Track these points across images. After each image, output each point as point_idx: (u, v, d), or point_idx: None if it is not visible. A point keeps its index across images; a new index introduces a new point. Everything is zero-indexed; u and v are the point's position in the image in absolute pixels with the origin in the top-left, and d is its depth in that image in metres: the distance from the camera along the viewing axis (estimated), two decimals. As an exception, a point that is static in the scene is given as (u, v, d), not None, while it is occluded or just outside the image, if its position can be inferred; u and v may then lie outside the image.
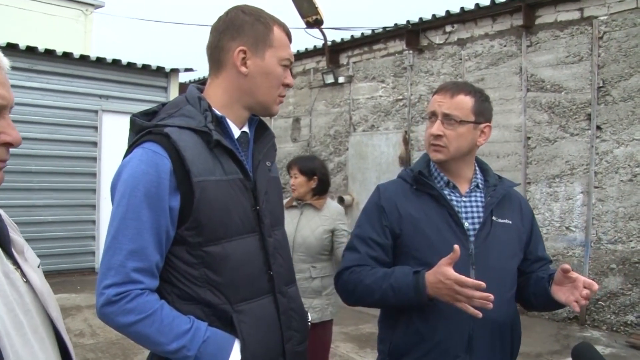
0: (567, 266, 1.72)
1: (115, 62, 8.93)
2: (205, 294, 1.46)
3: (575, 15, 6.84)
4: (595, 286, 1.71)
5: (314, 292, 3.50)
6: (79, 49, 10.92)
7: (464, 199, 1.95)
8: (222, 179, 1.49)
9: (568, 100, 6.87)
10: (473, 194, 1.97)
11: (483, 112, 1.94)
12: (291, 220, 3.54)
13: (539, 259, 2.04)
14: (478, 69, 7.88)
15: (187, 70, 9.76)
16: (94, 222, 8.80)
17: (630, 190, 6.31)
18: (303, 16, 9.22)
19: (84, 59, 8.71)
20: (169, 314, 1.41)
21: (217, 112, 1.56)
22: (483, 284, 1.62)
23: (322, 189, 3.68)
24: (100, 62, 8.80)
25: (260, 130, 1.69)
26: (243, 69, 1.55)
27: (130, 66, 9.10)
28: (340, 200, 9.40)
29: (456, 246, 1.66)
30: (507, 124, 7.37)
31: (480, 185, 2.00)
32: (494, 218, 1.93)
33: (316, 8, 9.04)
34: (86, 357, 5.02)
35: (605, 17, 6.54)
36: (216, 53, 1.59)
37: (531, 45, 7.25)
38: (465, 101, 1.90)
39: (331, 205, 3.73)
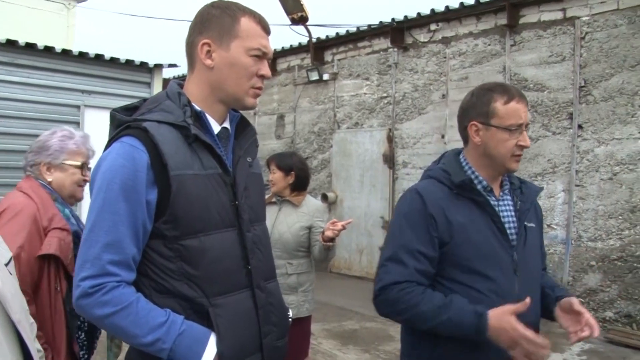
0: (576, 305, 1.78)
1: (98, 57, 8.83)
2: (182, 288, 1.46)
3: (558, 15, 6.90)
4: (596, 333, 1.74)
5: (290, 289, 3.50)
6: (61, 43, 10.79)
7: (500, 203, 1.91)
8: (200, 173, 1.49)
9: (550, 100, 6.93)
10: (505, 196, 1.93)
11: None
12: (269, 216, 3.56)
13: (543, 255, 2.06)
14: (462, 67, 7.92)
15: (171, 66, 9.67)
16: (75, 218, 8.71)
17: (610, 188, 6.39)
18: (288, 13, 9.21)
19: (66, 53, 8.61)
20: (144, 306, 1.41)
21: (197, 107, 1.56)
22: (548, 342, 1.62)
23: (300, 185, 3.70)
24: (82, 56, 8.70)
25: (241, 126, 1.69)
26: (208, 61, 1.55)
27: (114, 61, 9.01)
28: (324, 198, 9.41)
29: (528, 299, 1.66)
30: (490, 122, 7.42)
31: (508, 187, 1.96)
32: (525, 223, 1.90)
33: (301, 5, 9.04)
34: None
35: (587, 18, 6.61)
36: (188, 49, 1.61)
37: (515, 44, 7.30)
38: None
39: (310, 202, 3.75)
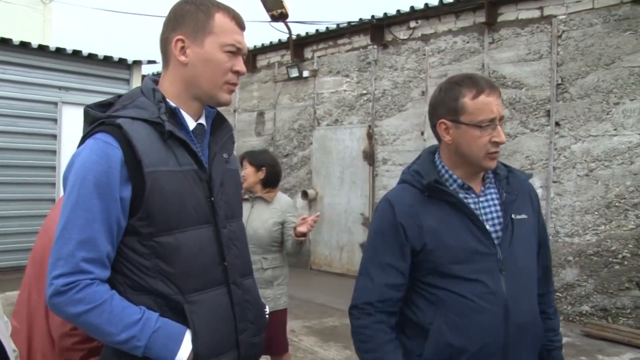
0: None
1: (76, 53, 8.73)
2: (157, 285, 1.45)
3: (536, 13, 6.98)
4: None
5: (266, 283, 3.64)
6: (38, 38, 10.64)
7: (481, 199, 1.79)
8: (175, 169, 1.48)
9: (528, 97, 7.01)
10: (488, 190, 1.81)
11: None
12: (243, 213, 3.64)
13: (545, 247, 1.95)
14: (441, 64, 7.97)
15: (150, 62, 9.59)
16: (53, 216, 8.60)
17: (587, 185, 6.48)
18: (268, 10, 9.18)
19: (42, 49, 8.50)
20: (119, 304, 1.40)
21: (172, 104, 1.55)
22: None
23: (271, 181, 3.84)
24: (59, 52, 8.60)
25: (218, 122, 1.68)
26: (182, 58, 1.54)
27: (91, 57, 8.91)
28: (304, 195, 9.42)
29: None
30: (469, 119, 7.49)
31: (492, 180, 1.84)
32: (513, 216, 1.78)
33: (281, 2, 9.02)
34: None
35: (564, 17, 6.70)
36: (162, 45, 1.59)
37: (493, 42, 7.37)
38: None
39: (282, 198, 3.89)
